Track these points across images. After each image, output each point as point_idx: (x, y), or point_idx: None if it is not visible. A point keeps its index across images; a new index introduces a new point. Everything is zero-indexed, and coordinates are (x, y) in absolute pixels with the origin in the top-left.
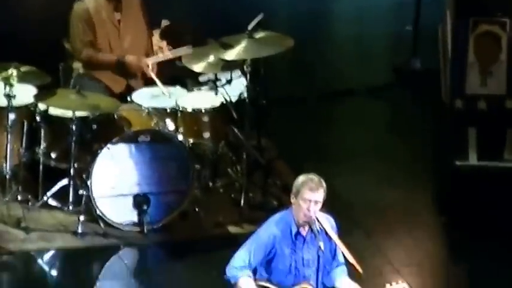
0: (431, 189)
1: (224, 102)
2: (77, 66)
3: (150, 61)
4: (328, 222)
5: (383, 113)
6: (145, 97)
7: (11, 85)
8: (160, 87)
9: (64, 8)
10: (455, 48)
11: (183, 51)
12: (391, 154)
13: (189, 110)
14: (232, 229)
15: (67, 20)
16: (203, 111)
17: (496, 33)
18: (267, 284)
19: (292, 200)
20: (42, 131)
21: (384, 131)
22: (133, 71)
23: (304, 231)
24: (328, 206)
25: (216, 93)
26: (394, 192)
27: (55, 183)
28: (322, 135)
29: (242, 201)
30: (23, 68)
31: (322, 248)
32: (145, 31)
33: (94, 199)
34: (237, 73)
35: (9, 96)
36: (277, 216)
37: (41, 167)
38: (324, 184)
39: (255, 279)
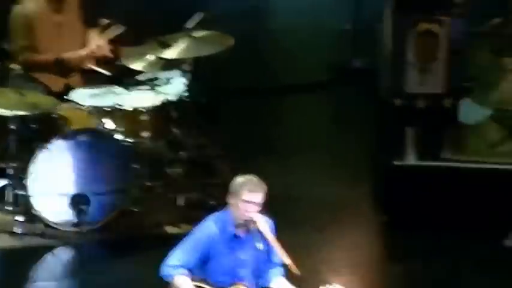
0: (371, 188)
1: (164, 101)
2: (15, 66)
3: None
4: (266, 224)
5: (325, 109)
6: (84, 96)
7: None
8: (102, 71)
9: (3, 8)
10: (394, 47)
11: (115, 31)
12: (334, 151)
13: (129, 109)
14: (170, 229)
15: (6, 21)
16: (143, 110)
17: (435, 32)
18: (203, 284)
19: (230, 201)
20: None
21: (327, 128)
22: (72, 66)
23: (241, 232)
24: (269, 202)
25: (156, 93)
26: (336, 189)
27: None
28: (267, 131)
29: (181, 201)
30: None
31: (260, 248)
32: (85, 31)
33: (31, 199)
34: (177, 72)
35: None
36: (214, 216)
37: None
38: (264, 186)
39: (192, 278)
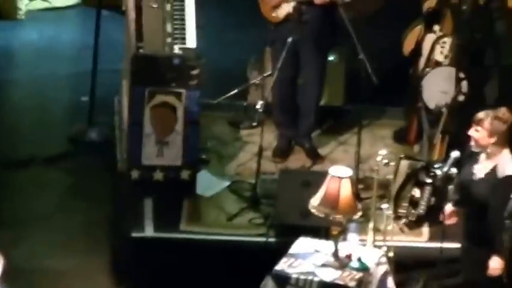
0: (109, 259)
1: None
2: None
3: None
4: None
5: (62, 182)
6: None
7: None
8: None
9: None
10: (131, 119)
11: None
12: (71, 223)
13: None
14: None
15: None
16: None
17: (172, 103)
18: None
19: None
20: None
21: (63, 200)
22: None
23: None
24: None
25: None
26: (73, 261)
27: None
28: (2, 203)
29: None
30: None
31: None
32: None
33: None
34: None
35: None
36: None
37: None
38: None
39: None
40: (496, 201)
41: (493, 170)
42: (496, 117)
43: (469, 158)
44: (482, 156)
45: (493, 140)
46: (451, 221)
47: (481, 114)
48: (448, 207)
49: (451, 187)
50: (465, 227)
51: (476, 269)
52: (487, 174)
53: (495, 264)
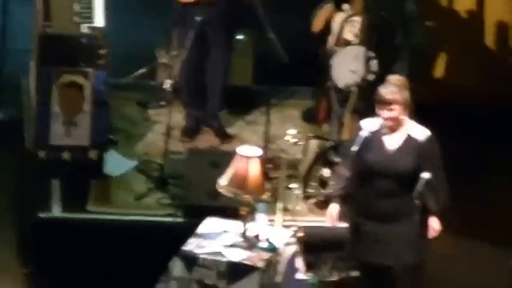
0: (16, 240)
1: None
2: None
3: None
4: None
5: None
6: None
7: None
8: None
9: None
10: (39, 99)
11: None
12: None
13: None
14: None
15: None
16: None
17: (80, 83)
18: None
19: None
20: None
21: None
22: None
23: None
24: None
25: None
26: None
27: None
28: None
29: None
30: None
31: None
32: None
33: None
34: None
35: None
36: None
37: None
38: None
39: None
40: (435, 159)
41: (408, 139)
42: (402, 86)
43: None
44: (383, 133)
45: (406, 110)
46: (334, 222)
47: (388, 94)
48: (335, 208)
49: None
50: (375, 209)
51: (409, 252)
52: (402, 146)
53: (436, 225)
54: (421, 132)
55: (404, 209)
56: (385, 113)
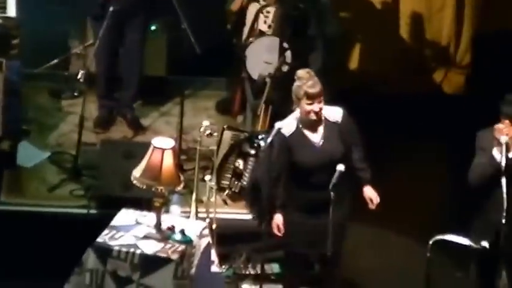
0: None
1: None
2: None
3: None
4: None
5: None
6: None
7: None
8: None
9: None
10: None
11: None
12: None
13: None
14: None
15: None
16: None
17: None
18: None
19: None
20: None
21: None
22: None
23: None
24: None
25: None
26: None
27: None
28: None
29: None
30: None
31: None
32: None
33: None
34: None
35: None
36: None
37: None
38: None
39: None
40: (355, 133)
41: (326, 125)
42: (317, 79)
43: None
44: (305, 126)
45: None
46: (281, 232)
47: (317, 87)
48: (279, 218)
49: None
50: (310, 202)
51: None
52: (325, 134)
53: (375, 194)
54: (336, 113)
55: (337, 198)
56: (316, 106)
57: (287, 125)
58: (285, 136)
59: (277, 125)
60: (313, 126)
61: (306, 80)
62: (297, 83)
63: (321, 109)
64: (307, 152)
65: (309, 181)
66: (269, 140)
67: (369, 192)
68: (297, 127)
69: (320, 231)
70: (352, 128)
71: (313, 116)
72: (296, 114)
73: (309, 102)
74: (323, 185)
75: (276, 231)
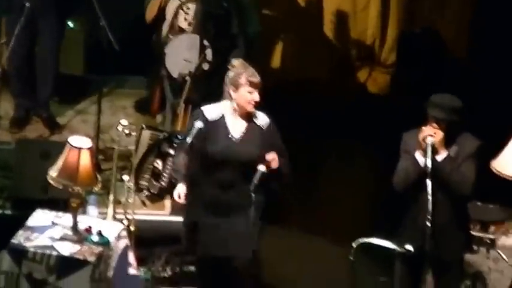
0: None
1: None
2: None
3: None
4: None
5: None
6: None
7: None
8: None
9: None
10: None
11: None
12: None
13: None
14: None
15: None
16: None
17: None
18: None
19: None
20: None
21: None
22: None
23: None
24: None
25: None
26: None
27: None
28: None
29: None
30: None
31: None
32: None
33: None
34: None
35: None
36: None
37: None
38: None
39: None
40: (277, 145)
41: (251, 125)
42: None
43: (210, 127)
44: (230, 118)
45: None
46: (182, 200)
47: (258, 77)
48: (182, 188)
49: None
50: (216, 201)
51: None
52: (246, 132)
53: (272, 156)
54: (262, 118)
55: (244, 201)
56: (257, 96)
57: (212, 110)
58: (207, 120)
59: (197, 124)
60: (237, 121)
61: (243, 69)
62: (234, 72)
63: (257, 101)
64: (221, 143)
65: (218, 177)
66: (188, 140)
67: (269, 156)
68: (222, 116)
69: (228, 234)
70: (275, 137)
71: (250, 106)
72: (224, 103)
73: (250, 90)
74: (231, 184)
75: (176, 198)
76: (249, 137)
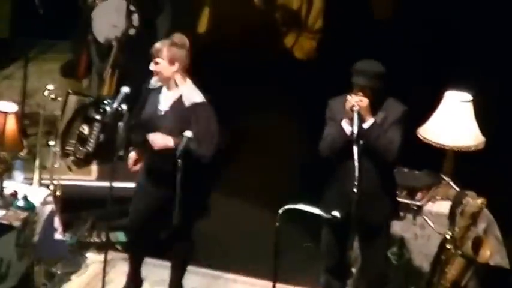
0: None
1: None
2: None
3: None
4: None
5: None
6: None
7: None
8: None
9: None
10: None
11: None
12: None
13: None
14: None
15: None
16: None
17: None
18: None
19: None
20: None
21: None
22: None
23: None
24: None
25: None
26: None
27: None
28: None
29: None
30: None
31: None
32: None
33: None
34: None
35: None
36: None
37: None
38: None
39: None
40: (200, 126)
41: (178, 101)
42: (172, 43)
43: (149, 95)
44: (164, 89)
45: (175, 68)
46: (136, 167)
47: (158, 45)
48: (132, 155)
49: (120, 124)
50: (149, 168)
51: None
52: (172, 106)
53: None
54: (191, 97)
55: (170, 168)
56: (151, 65)
57: (156, 80)
58: (147, 87)
59: (123, 89)
60: (168, 94)
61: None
62: None
63: (155, 71)
64: (150, 112)
65: (149, 143)
66: (115, 105)
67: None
68: (161, 87)
69: (161, 200)
70: (200, 118)
71: (155, 77)
72: None
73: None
74: (155, 152)
75: (130, 165)
76: (173, 111)
